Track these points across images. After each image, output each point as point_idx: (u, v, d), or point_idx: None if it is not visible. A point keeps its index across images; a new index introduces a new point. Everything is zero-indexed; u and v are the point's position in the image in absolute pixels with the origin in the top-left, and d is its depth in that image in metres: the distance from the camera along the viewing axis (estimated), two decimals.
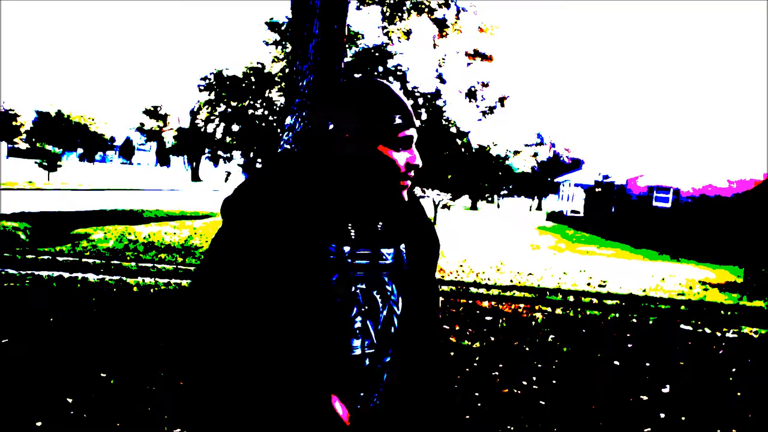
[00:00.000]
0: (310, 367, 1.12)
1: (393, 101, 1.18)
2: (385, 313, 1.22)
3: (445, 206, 24.59)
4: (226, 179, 21.37)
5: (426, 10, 12.79)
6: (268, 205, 1.12)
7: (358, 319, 1.18)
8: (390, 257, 1.24)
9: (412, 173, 1.21)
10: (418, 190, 22.51)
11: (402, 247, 1.28)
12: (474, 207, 49.31)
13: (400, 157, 1.18)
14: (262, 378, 1.11)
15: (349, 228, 1.19)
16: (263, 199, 1.13)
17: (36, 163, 34.13)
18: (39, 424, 3.02)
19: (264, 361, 1.11)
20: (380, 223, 1.25)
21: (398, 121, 1.17)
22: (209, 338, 1.10)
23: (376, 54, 15.61)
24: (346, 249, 1.17)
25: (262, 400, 1.11)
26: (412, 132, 1.20)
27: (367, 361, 1.19)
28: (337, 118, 1.17)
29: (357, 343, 1.17)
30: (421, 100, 16.75)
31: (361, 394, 1.19)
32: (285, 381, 1.11)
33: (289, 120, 4.31)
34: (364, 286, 1.19)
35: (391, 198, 1.22)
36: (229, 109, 17.96)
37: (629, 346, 5.64)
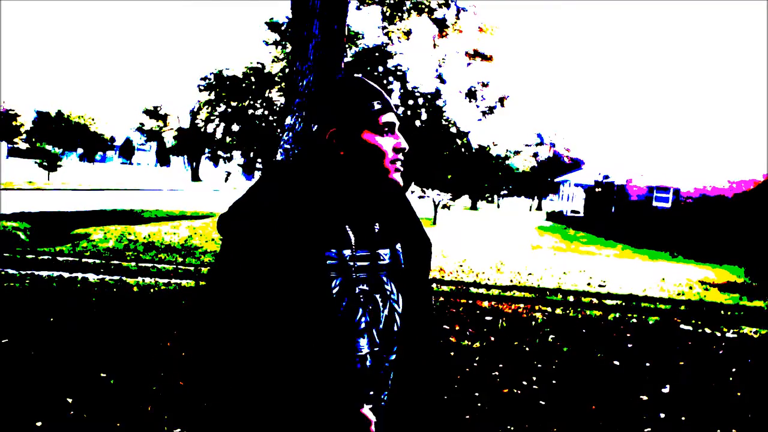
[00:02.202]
0: (321, 370, 1.13)
1: (367, 89, 1.22)
2: (386, 312, 1.24)
3: (445, 206, 24.60)
4: (226, 179, 21.42)
5: (426, 10, 12.79)
6: (264, 218, 1.14)
7: (363, 319, 1.20)
8: (387, 257, 1.27)
9: (400, 156, 1.24)
10: (418, 190, 22.52)
11: (398, 246, 1.30)
12: (474, 207, 49.30)
13: (385, 142, 1.21)
14: (274, 384, 1.12)
15: (348, 231, 1.20)
16: (259, 214, 1.15)
17: (36, 163, 34.13)
18: (39, 424, 3.02)
19: (278, 369, 1.12)
20: (376, 225, 1.27)
21: (377, 107, 1.20)
22: (223, 353, 1.13)
23: (376, 54, 15.61)
24: (347, 252, 1.19)
25: (273, 403, 1.13)
26: (392, 117, 1.23)
27: (374, 360, 1.21)
28: (318, 116, 1.22)
29: (363, 342, 1.20)
30: (421, 100, 16.74)
31: (371, 392, 1.22)
32: (304, 387, 1.13)
33: (289, 120, 4.30)
34: (366, 287, 1.21)
35: (384, 185, 1.24)
36: (229, 109, 17.97)
37: (629, 346, 5.64)
